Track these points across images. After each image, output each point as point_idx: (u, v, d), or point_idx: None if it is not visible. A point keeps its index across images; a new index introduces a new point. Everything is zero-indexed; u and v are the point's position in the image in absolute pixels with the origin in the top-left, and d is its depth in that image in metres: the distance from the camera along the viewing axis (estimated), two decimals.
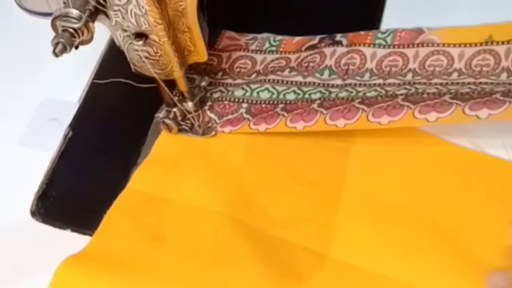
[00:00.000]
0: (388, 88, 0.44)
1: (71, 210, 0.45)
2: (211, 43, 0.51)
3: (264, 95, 0.47)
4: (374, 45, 0.47)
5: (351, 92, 0.45)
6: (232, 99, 0.48)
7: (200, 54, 0.43)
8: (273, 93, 0.47)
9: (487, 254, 0.37)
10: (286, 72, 0.48)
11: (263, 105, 0.47)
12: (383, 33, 0.47)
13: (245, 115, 0.47)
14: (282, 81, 0.48)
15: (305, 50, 0.49)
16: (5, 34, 0.56)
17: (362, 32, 0.48)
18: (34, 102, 0.50)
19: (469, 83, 0.43)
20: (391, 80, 0.45)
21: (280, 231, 0.41)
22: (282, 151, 0.45)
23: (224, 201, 0.43)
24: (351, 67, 0.46)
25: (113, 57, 0.51)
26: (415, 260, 0.38)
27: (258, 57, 0.50)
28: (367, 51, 0.47)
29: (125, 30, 0.40)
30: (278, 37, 0.51)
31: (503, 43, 0.43)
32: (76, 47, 0.39)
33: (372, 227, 0.40)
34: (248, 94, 0.48)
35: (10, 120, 0.50)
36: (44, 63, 0.51)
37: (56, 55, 0.38)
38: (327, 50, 0.48)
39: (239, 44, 0.51)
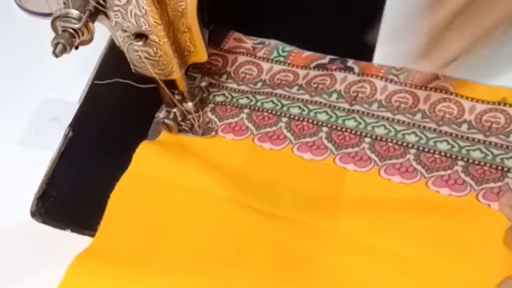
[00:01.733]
0: (397, 127, 0.44)
1: (71, 210, 0.45)
2: (217, 43, 0.51)
3: (268, 105, 0.47)
4: (387, 79, 0.47)
5: (360, 123, 0.45)
6: (235, 105, 0.48)
7: (200, 54, 0.43)
8: (277, 105, 0.47)
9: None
10: (294, 90, 0.48)
11: (265, 114, 0.47)
12: (397, 70, 0.47)
13: (246, 122, 0.47)
14: (289, 96, 0.47)
15: (314, 68, 0.49)
16: (5, 34, 0.56)
17: (375, 64, 0.48)
18: (34, 102, 0.50)
19: (479, 141, 0.43)
20: (399, 117, 0.45)
21: (286, 212, 0.41)
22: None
23: (228, 185, 0.43)
24: (360, 95, 0.46)
25: (113, 58, 0.51)
26: (425, 236, 0.39)
27: (265, 65, 0.50)
28: (379, 83, 0.47)
29: (125, 31, 0.40)
30: (287, 48, 0.50)
31: None
32: (76, 48, 0.39)
33: (374, 207, 0.41)
34: (252, 103, 0.48)
35: (11, 120, 0.50)
36: (44, 64, 0.51)
37: (56, 56, 0.38)
38: (338, 75, 0.48)
39: (246, 47, 0.51)
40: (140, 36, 0.40)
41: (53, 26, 0.38)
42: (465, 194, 0.40)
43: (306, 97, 0.47)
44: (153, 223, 0.43)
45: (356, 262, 0.39)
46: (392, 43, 0.48)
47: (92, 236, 0.43)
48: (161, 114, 0.47)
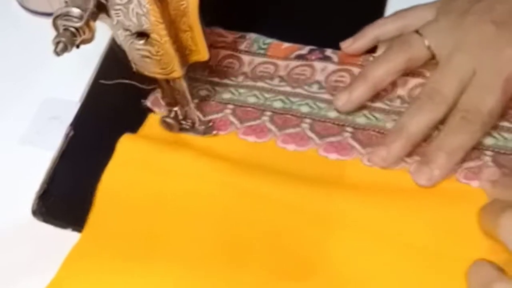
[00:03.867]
0: (376, 115, 0.45)
1: (72, 209, 0.45)
2: None
3: (251, 100, 0.48)
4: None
5: (341, 114, 0.46)
6: (219, 101, 0.48)
7: (202, 53, 0.43)
8: (259, 99, 0.48)
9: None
10: (276, 81, 0.49)
11: (249, 109, 0.47)
12: (374, 57, 0.48)
13: (231, 118, 0.47)
14: (271, 89, 0.48)
15: (294, 58, 0.50)
16: (6, 33, 0.56)
17: (352, 53, 0.49)
18: (36, 101, 0.50)
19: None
20: (378, 104, 0.46)
21: (287, 196, 0.42)
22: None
23: (221, 170, 0.43)
24: (340, 84, 0.47)
25: (115, 56, 0.51)
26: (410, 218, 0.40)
27: (246, 58, 0.50)
28: (357, 71, 0.47)
29: (126, 29, 0.40)
30: (267, 40, 0.51)
31: None
32: (78, 46, 0.39)
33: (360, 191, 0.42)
34: (235, 97, 0.48)
35: (11, 119, 0.50)
36: (46, 62, 0.51)
37: (58, 54, 0.38)
38: (318, 65, 0.49)
39: (227, 41, 0.52)
40: (142, 35, 0.40)
41: (54, 25, 0.38)
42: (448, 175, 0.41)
43: (288, 89, 0.48)
44: (143, 213, 0.43)
45: (361, 246, 0.40)
46: None
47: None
48: (148, 102, 0.48)
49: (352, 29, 0.49)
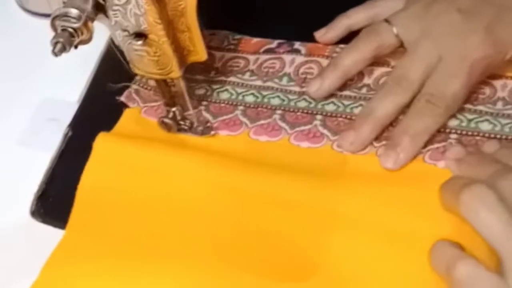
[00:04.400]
0: (345, 102, 0.46)
1: (71, 210, 0.45)
2: None
3: (224, 96, 0.49)
4: (332, 58, 0.48)
5: (310, 103, 0.47)
6: (193, 98, 0.48)
7: (200, 54, 0.43)
8: (232, 94, 0.48)
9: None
10: (247, 76, 0.49)
11: (222, 105, 0.48)
12: (340, 48, 0.49)
13: (204, 113, 0.48)
14: (242, 84, 0.49)
15: (263, 52, 0.51)
16: (5, 34, 0.56)
17: (320, 44, 0.50)
18: (34, 102, 0.50)
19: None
20: (347, 92, 0.47)
21: (260, 187, 0.42)
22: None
23: (201, 163, 0.44)
24: (308, 76, 0.48)
25: (113, 57, 0.51)
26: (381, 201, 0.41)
27: (217, 54, 0.51)
28: (325, 62, 0.48)
29: (125, 30, 0.40)
30: (237, 36, 0.52)
31: (500, 77, 0.45)
32: (76, 47, 0.39)
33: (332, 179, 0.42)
34: (208, 93, 0.49)
35: (10, 120, 0.50)
36: (44, 63, 0.51)
37: (56, 55, 0.38)
38: (286, 58, 0.50)
39: None
40: (140, 35, 0.40)
41: (53, 25, 0.38)
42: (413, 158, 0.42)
43: (259, 83, 0.49)
44: (123, 211, 0.43)
45: (335, 232, 0.40)
46: None
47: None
48: (122, 98, 0.49)
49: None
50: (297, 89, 0.48)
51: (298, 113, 0.46)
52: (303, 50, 0.50)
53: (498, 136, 0.42)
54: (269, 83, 0.49)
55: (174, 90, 0.45)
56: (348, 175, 0.42)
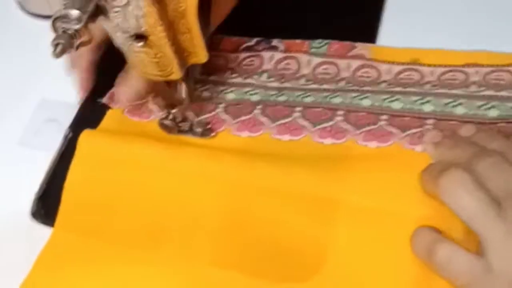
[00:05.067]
0: (324, 94, 0.47)
1: None
2: None
3: (205, 94, 0.49)
4: (310, 53, 0.49)
5: (290, 97, 0.47)
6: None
7: (200, 55, 0.43)
8: (213, 93, 0.49)
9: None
10: (227, 74, 0.50)
11: (204, 103, 0.49)
12: (318, 43, 0.50)
13: (187, 112, 0.48)
14: (223, 82, 0.49)
15: (242, 50, 0.51)
16: (5, 35, 0.56)
17: (298, 41, 0.51)
18: (34, 103, 0.51)
19: (398, 92, 0.46)
20: (325, 86, 0.47)
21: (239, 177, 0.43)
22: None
23: (186, 159, 0.44)
24: (287, 72, 0.49)
25: (113, 58, 0.51)
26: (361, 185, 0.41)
27: None
28: (303, 58, 0.49)
29: (125, 32, 0.40)
30: (218, 36, 0.53)
31: (428, 65, 0.47)
32: (76, 48, 0.39)
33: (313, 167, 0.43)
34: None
35: (10, 121, 0.50)
36: (44, 64, 0.51)
37: (56, 56, 0.38)
38: (265, 55, 0.50)
39: None
40: (140, 37, 0.40)
41: (53, 27, 0.38)
42: (391, 144, 0.43)
43: (239, 80, 0.49)
44: (109, 208, 0.44)
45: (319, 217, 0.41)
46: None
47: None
48: (104, 99, 0.49)
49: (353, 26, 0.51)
50: (276, 84, 0.48)
51: (278, 107, 0.47)
52: (281, 47, 0.51)
53: (473, 120, 0.43)
54: (249, 80, 0.49)
55: (175, 92, 0.45)
56: (333, 164, 0.43)
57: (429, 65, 0.47)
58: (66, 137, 0.48)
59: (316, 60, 0.49)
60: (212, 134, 0.46)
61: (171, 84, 0.45)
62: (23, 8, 0.57)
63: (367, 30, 0.51)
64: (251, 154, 0.44)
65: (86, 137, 0.47)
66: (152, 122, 0.48)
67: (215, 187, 0.43)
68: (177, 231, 0.42)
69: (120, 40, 0.41)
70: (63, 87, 0.50)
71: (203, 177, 0.44)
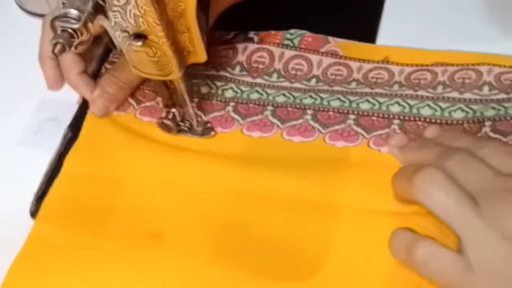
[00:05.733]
0: (295, 94, 0.47)
1: None
2: None
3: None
4: (283, 45, 0.50)
5: (262, 95, 0.47)
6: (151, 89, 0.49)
7: (199, 54, 0.43)
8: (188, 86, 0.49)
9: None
10: (201, 67, 0.49)
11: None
12: (291, 34, 0.50)
13: (161, 105, 0.48)
14: (196, 74, 0.49)
15: (219, 43, 0.51)
16: (4, 34, 0.56)
17: (273, 32, 0.51)
18: (33, 102, 0.50)
19: (366, 94, 0.46)
20: (297, 85, 0.48)
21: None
22: None
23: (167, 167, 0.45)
24: (260, 66, 0.49)
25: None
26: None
27: None
28: (276, 50, 0.49)
29: (124, 31, 0.40)
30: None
31: (397, 64, 0.47)
32: (76, 48, 0.39)
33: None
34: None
35: (10, 120, 0.50)
36: None
37: (56, 56, 0.38)
38: (239, 46, 0.50)
39: None
40: (139, 36, 0.40)
41: (52, 26, 0.38)
42: (358, 144, 0.44)
43: (213, 72, 0.49)
44: (104, 203, 0.44)
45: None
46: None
47: None
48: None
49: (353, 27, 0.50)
50: (249, 79, 0.49)
51: (250, 105, 0.47)
52: (255, 39, 0.51)
53: (439, 121, 0.43)
54: (222, 73, 0.49)
55: (174, 92, 0.45)
56: (302, 163, 0.44)
57: (399, 64, 0.47)
58: (65, 137, 0.48)
59: (289, 53, 0.49)
60: (212, 133, 0.46)
61: (170, 84, 0.45)
62: (22, 7, 0.57)
63: (367, 29, 0.51)
64: (228, 153, 0.45)
65: (88, 129, 0.47)
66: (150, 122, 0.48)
67: (213, 187, 0.43)
68: (174, 229, 0.42)
69: (119, 39, 0.41)
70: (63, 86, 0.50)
71: (201, 177, 0.44)
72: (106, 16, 0.39)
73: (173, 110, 0.46)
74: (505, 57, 0.46)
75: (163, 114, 0.46)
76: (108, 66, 0.50)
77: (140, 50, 0.41)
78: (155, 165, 0.45)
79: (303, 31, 0.50)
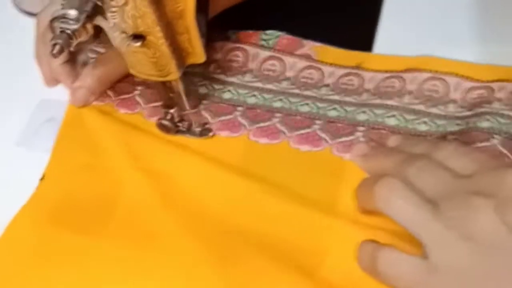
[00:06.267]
0: (266, 96, 0.48)
1: None
2: None
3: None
4: (259, 45, 0.50)
5: (234, 95, 0.48)
6: (131, 83, 0.50)
7: (198, 55, 0.43)
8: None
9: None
10: None
11: (155, 91, 0.49)
12: (267, 35, 0.51)
13: (138, 99, 0.49)
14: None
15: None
16: (1, 34, 0.56)
17: (250, 31, 0.51)
18: (32, 103, 0.50)
19: (335, 102, 0.46)
20: (269, 86, 0.48)
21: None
22: None
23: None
24: (234, 64, 0.50)
25: None
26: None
27: None
28: (251, 50, 0.50)
29: (123, 32, 0.40)
30: None
31: (369, 70, 0.48)
32: (74, 48, 0.39)
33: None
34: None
35: (8, 121, 0.50)
36: None
37: (54, 56, 0.38)
38: (217, 44, 0.51)
39: None
40: (138, 37, 0.40)
41: (51, 27, 0.38)
42: (321, 149, 0.44)
43: (188, 69, 0.48)
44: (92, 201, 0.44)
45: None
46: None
47: None
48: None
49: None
50: (222, 77, 0.49)
51: (222, 105, 0.48)
52: (233, 37, 0.51)
53: (402, 131, 0.44)
54: (197, 70, 0.49)
55: (172, 92, 0.45)
56: (266, 165, 0.44)
57: (371, 70, 0.48)
58: None
59: (264, 54, 0.50)
60: (211, 134, 0.46)
61: (168, 84, 0.45)
62: (18, 7, 0.57)
63: (366, 29, 0.51)
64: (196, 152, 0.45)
65: (70, 119, 0.48)
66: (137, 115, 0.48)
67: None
68: (166, 228, 0.42)
69: (117, 40, 0.41)
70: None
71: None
72: (105, 17, 0.39)
73: (172, 111, 0.46)
74: (477, 65, 0.46)
75: (162, 115, 0.46)
76: (90, 55, 0.50)
77: (138, 51, 0.41)
78: (141, 154, 0.45)
79: (280, 33, 0.50)
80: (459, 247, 0.33)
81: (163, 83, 0.44)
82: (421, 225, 0.34)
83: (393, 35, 0.50)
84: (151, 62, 0.41)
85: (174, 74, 0.43)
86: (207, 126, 0.47)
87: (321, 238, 0.40)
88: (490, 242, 0.33)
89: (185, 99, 0.45)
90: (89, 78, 0.48)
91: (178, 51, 0.42)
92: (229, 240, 0.41)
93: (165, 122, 0.46)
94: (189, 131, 0.46)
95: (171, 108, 0.46)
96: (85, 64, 0.49)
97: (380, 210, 0.37)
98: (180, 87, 0.44)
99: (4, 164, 0.47)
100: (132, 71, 0.44)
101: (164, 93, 0.45)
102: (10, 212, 0.44)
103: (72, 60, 0.48)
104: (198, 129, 0.46)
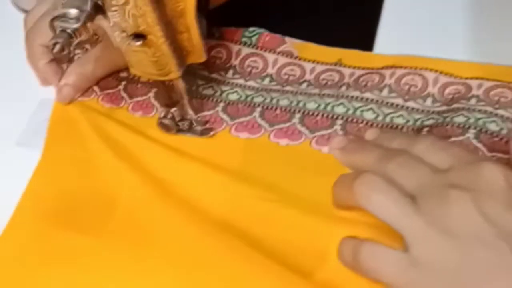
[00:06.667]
0: (247, 92, 0.48)
1: None
2: None
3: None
4: (241, 42, 0.50)
5: (216, 92, 0.48)
6: (116, 78, 0.50)
7: (199, 54, 0.43)
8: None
9: None
10: None
11: (139, 86, 0.50)
12: (250, 32, 0.51)
13: (122, 94, 0.49)
14: None
15: None
16: (1, 33, 0.56)
17: (233, 28, 0.51)
18: (32, 102, 0.50)
19: (314, 94, 0.47)
20: (251, 83, 0.49)
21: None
22: None
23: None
24: (217, 61, 0.50)
25: None
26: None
27: None
28: (234, 47, 0.50)
29: (123, 31, 0.40)
30: None
31: (349, 67, 0.48)
32: (74, 48, 0.39)
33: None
34: (130, 77, 0.50)
35: (9, 120, 0.50)
36: None
37: (55, 55, 0.38)
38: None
39: None
40: (138, 36, 0.40)
41: (52, 26, 0.38)
42: (300, 142, 0.45)
43: None
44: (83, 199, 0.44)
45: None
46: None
47: None
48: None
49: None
50: (206, 73, 0.49)
51: (204, 101, 0.48)
52: (217, 34, 0.51)
53: (380, 125, 0.44)
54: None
55: (173, 91, 0.45)
56: (251, 160, 0.44)
57: (351, 67, 0.48)
58: None
59: (246, 51, 0.50)
60: (212, 133, 0.46)
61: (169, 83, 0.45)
62: (17, 5, 0.57)
63: (366, 28, 0.51)
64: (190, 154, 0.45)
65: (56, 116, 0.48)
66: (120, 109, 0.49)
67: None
68: (163, 228, 0.42)
69: (118, 39, 0.41)
70: None
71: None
72: (105, 16, 0.39)
73: (172, 110, 0.46)
74: (457, 62, 0.46)
75: (162, 114, 0.46)
76: (76, 52, 0.50)
77: (139, 50, 0.41)
78: (126, 148, 0.45)
79: (262, 30, 0.51)
80: (439, 240, 0.33)
81: (163, 82, 0.44)
82: (402, 220, 0.35)
83: (393, 35, 0.50)
84: (151, 61, 0.41)
85: (174, 73, 0.43)
86: (208, 125, 0.46)
87: (304, 235, 0.40)
88: (467, 234, 0.33)
89: (186, 98, 0.45)
90: (73, 75, 0.48)
91: (178, 50, 0.42)
92: (226, 238, 0.41)
93: (166, 121, 0.46)
94: (190, 130, 0.46)
95: (172, 107, 0.46)
96: (70, 62, 0.50)
97: (361, 206, 0.36)
98: (181, 86, 0.44)
99: (4, 163, 0.47)
100: (132, 70, 0.44)
101: (164, 92, 0.45)
102: (10, 212, 0.44)
103: (58, 59, 0.48)
104: (199, 128, 0.46)
